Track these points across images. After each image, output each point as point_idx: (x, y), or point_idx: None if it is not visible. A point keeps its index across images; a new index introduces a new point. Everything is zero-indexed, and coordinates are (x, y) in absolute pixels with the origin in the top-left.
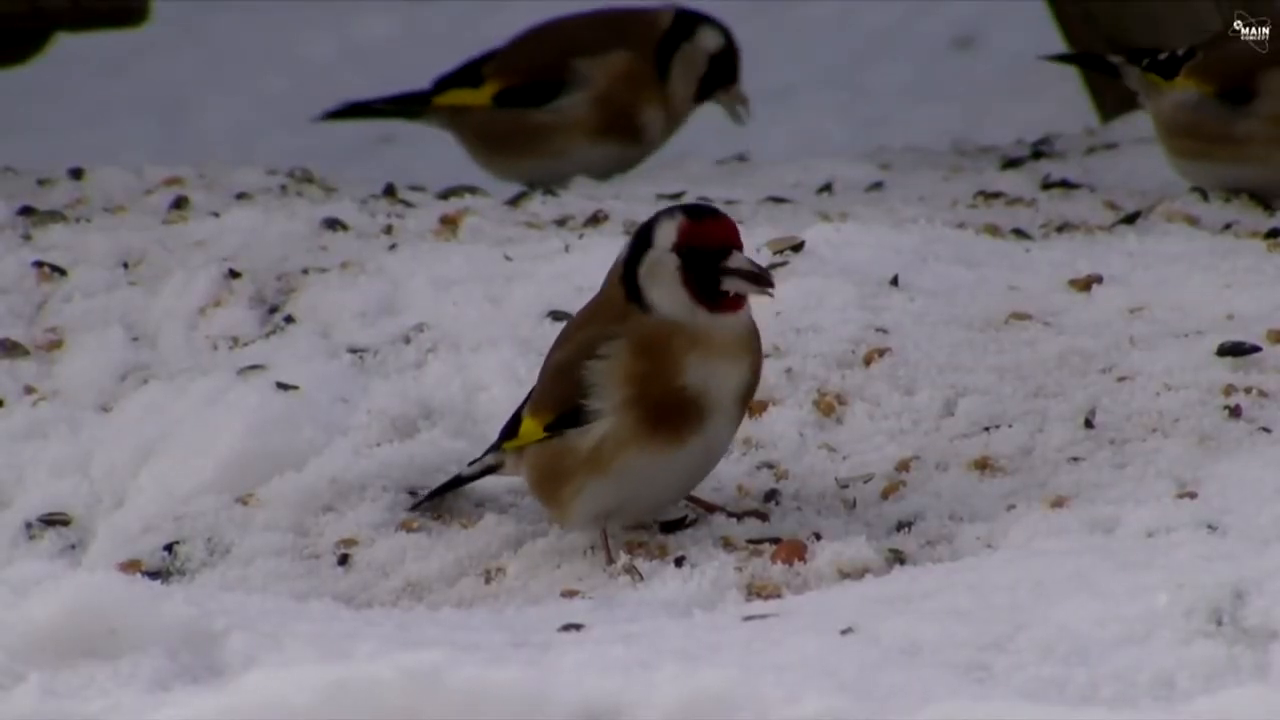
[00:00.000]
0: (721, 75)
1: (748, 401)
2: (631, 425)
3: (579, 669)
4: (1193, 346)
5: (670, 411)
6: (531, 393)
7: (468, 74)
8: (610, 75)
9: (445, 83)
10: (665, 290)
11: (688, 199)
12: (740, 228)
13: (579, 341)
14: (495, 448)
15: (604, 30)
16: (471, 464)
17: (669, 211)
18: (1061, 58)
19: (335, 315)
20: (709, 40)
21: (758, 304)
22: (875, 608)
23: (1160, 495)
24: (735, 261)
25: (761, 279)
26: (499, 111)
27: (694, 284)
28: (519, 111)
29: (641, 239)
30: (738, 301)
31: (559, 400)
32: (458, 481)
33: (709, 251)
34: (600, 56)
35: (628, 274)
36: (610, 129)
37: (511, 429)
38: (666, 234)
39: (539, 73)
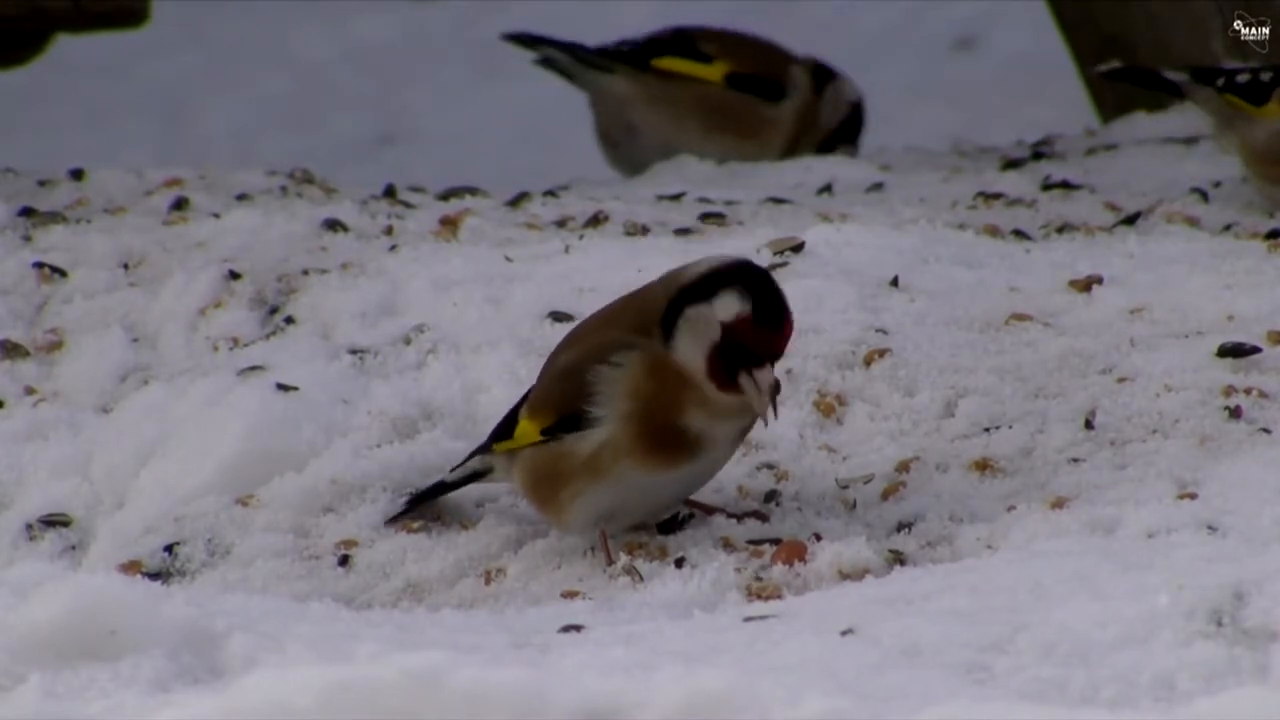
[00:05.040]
0: (852, 129)
1: (746, 435)
2: (630, 438)
3: (579, 670)
4: (1193, 347)
5: (667, 439)
6: (528, 394)
7: (681, 46)
8: (807, 92)
9: (650, 49)
10: (691, 347)
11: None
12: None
13: (592, 344)
14: (485, 449)
15: (790, 54)
16: (454, 469)
17: (744, 283)
18: (1116, 73)
19: (335, 316)
20: (851, 88)
21: None
22: (875, 609)
23: (1161, 496)
24: (762, 377)
25: (767, 402)
26: (730, 93)
27: (717, 362)
28: (752, 99)
29: (709, 285)
30: (741, 394)
31: (561, 402)
32: (441, 489)
33: (750, 354)
34: (802, 73)
35: (676, 303)
36: (794, 141)
37: (505, 430)
38: (727, 308)
39: (767, 68)
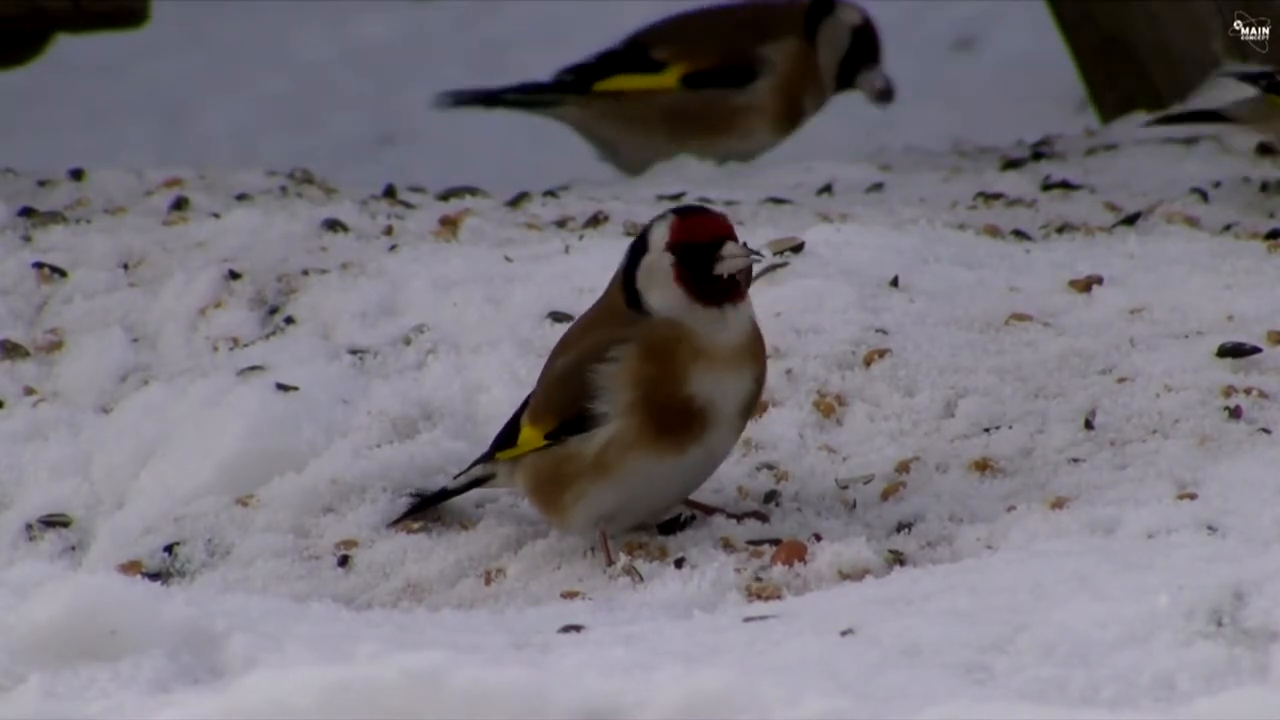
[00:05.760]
0: (864, 53)
1: (751, 411)
2: (637, 429)
3: (579, 670)
4: (1193, 348)
5: (674, 418)
6: (528, 400)
7: (631, 59)
8: (789, 61)
9: (597, 71)
10: (661, 291)
11: (688, 200)
12: (740, 228)
13: (585, 346)
14: (488, 457)
15: (772, 16)
16: (457, 476)
17: (661, 215)
18: (1164, 121)
19: (335, 316)
20: (849, 15)
21: (758, 304)
22: (875, 609)
23: (1160, 496)
24: (728, 250)
25: (750, 252)
26: (689, 94)
27: (688, 280)
28: (716, 93)
29: (638, 244)
30: (733, 294)
31: (562, 406)
32: (442, 495)
33: (701, 246)
34: (780, 42)
35: (627, 280)
36: (787, 115)
37: (508, 438)
38: (660, 235)
39: (730, 56)
